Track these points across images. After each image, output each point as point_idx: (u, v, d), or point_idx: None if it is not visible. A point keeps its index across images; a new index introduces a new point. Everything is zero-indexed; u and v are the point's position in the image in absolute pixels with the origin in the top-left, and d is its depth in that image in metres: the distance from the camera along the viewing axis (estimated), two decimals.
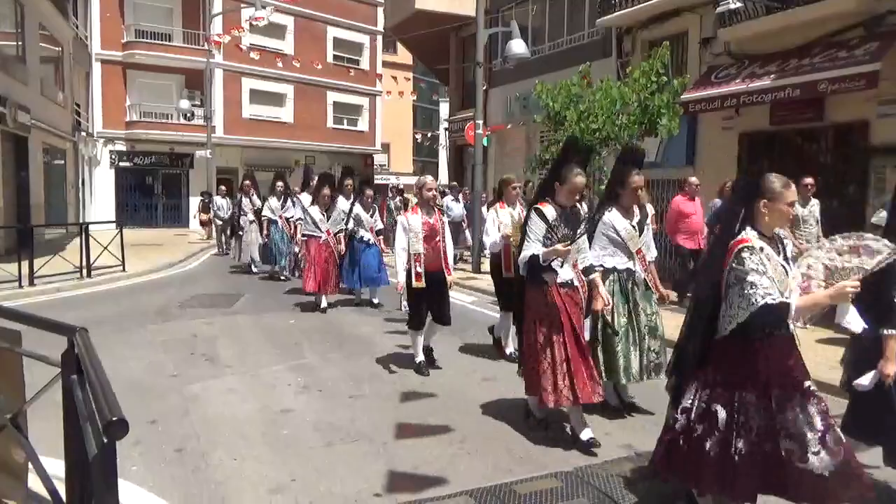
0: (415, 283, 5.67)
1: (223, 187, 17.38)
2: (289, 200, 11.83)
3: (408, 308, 6.14)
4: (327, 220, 9.10)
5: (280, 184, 11.90)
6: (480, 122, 12.34)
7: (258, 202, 12.74)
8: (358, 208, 8.94)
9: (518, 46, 11.96)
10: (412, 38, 23.00)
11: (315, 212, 9.08)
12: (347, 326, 8.23)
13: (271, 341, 7.37)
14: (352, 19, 30.93)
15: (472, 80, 18.15)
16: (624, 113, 9.39)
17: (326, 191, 9.11)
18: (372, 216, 9.06)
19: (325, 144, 30.30)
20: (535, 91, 10.07)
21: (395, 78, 31.72)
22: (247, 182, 13.44)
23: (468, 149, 18.63)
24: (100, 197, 25.95)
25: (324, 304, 9.08)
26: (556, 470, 3.97)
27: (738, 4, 9.92)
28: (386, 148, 36.52)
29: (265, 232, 11.74)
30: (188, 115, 25.58)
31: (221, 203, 16.29)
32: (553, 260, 4.18)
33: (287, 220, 11.71)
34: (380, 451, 4.28)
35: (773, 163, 10.45)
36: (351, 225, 8.99)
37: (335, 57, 30.66)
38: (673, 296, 4.61)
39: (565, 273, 4.26)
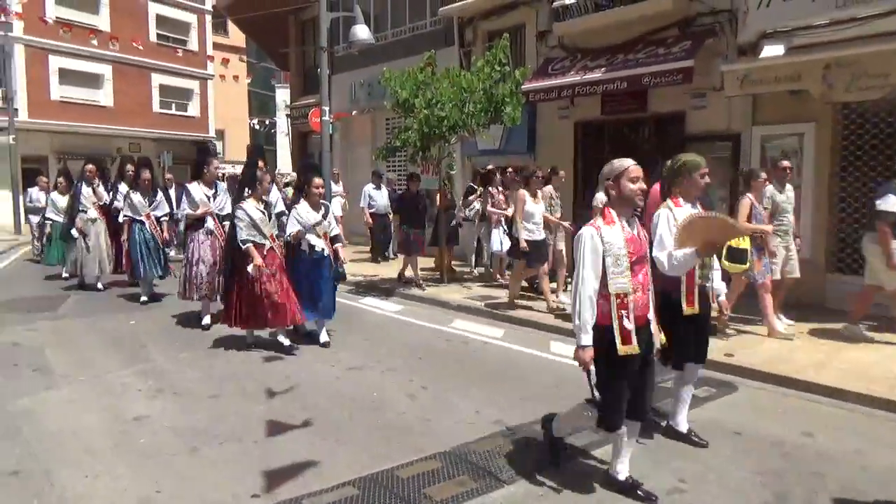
0: (621, 349, 3.21)
1: (43, 178, 14.42)
2: (159, 194, 9.29)
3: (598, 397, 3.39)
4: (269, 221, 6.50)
5: (146, 173, 9.16)
6: (327, 108, 12.04)
7: (105, 195, 10.08)
8: (305, 207, 6.39)
9: (362, 32, 11.82)
10: (246, 19, 21.88)
11: (251, 208, 6.30)
12: (196, 324, 7.69)
13: (112, 345, 6.72)
14: None
15: (314, 65, 17.73)
16: (470, 101, 9.63)
17: (267, 177, 6.66)
18: (325, 216, 6.57)
19: (151, 130, 27.97)
20: (383, 79, 10.03)
21: (227, 61, 29.83)
22: (90, 167, 10.03)
23: (312, 136, 18.16)
24: None
25: (286, 341, 6.51)
26: (434, 451, 4.03)
27: (571, 0, 10.60)
28: (220, 135, 34.45)
29: (124, 236, 9.10)
30: None
31: (39, 197, 13.43)
32: None
33: (157, 220, 9.12)
34: (251, 451, 4.08)
35: (604, 150, 11.36)
36: (292, 230, 6.33)
37: (159, 36, 28.38)
38: None
39: None
